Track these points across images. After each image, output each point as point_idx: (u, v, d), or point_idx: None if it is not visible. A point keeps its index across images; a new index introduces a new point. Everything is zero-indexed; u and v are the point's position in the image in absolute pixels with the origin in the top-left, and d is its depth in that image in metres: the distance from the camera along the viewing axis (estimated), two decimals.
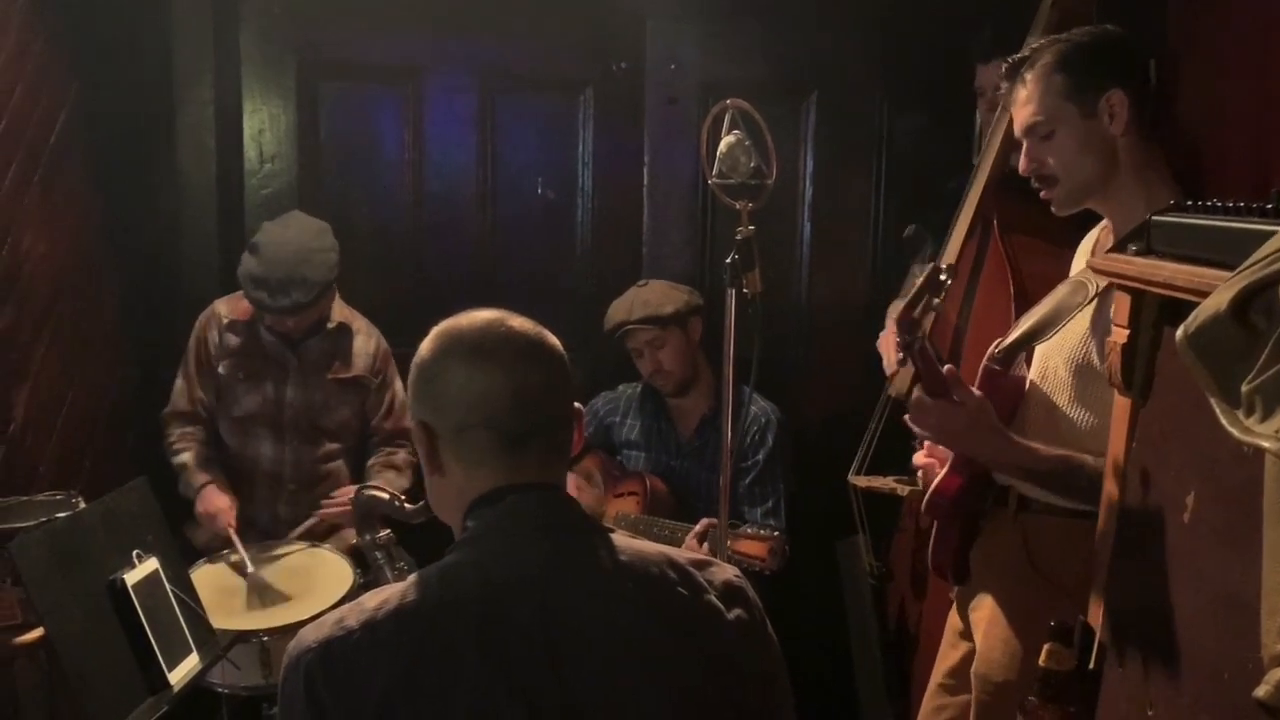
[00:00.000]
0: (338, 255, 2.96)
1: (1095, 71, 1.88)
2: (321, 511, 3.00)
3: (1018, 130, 1.97)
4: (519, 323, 1.39)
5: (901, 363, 2.67)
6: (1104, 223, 2.00)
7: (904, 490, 2.69)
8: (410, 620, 1.25)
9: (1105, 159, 1.89)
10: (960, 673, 2.19)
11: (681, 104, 3.54)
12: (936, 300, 1.91)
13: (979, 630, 2.11)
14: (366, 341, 3.18)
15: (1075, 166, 1.91)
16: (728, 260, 2.34)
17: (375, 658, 1.23)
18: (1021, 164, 1.97)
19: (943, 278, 1.90)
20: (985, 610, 2.10)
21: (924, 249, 2.99)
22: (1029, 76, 1.93)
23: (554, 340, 1.41)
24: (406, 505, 1.91)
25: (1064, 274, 2.08)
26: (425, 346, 1.39)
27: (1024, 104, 1.94)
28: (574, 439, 1.42)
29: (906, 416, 1.99)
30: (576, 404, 1.43)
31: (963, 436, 1.93)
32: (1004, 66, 2.03)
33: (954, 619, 2.26)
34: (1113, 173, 1.90)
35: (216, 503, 2.95)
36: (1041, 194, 1.98)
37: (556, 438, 1.39)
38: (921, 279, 1.90)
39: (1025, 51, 1.98)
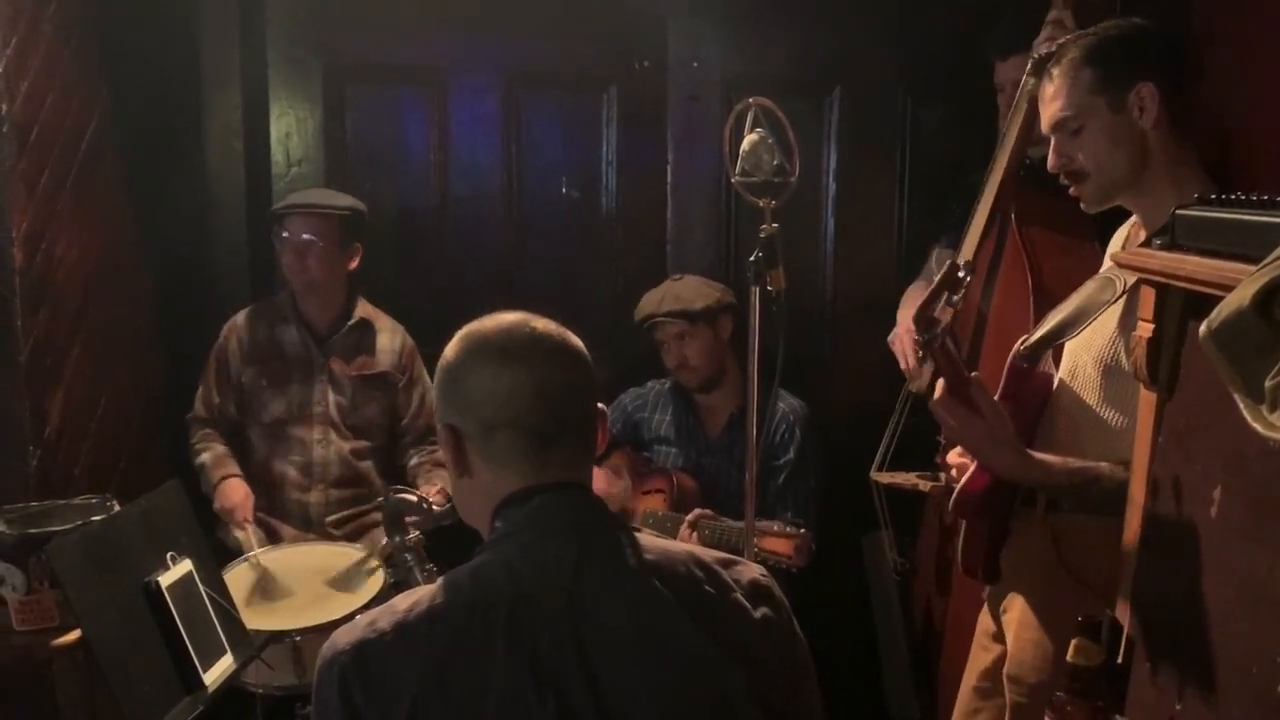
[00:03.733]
0: (363, 216, 3.16)
1: (1124, 65, 1.85)
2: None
3: (1046, 126, 1.95)
4: (543, 324, 1.40)
5: (922, 361, 2.65)
6: (1134, 218, 1.98)
7: (926, 486, 2.68)
8: (441, 621, 1.27)
9: (1136, 154, 1.86)
10: (994, 675, 2.18)
11: (704, 101, 3.54)
12: (955, 297, 1.89)
13: (1010, 632, 2.10)
14: (391, 338, 3.22)
15: (1105, 162, 1.88)
16: (751, 258, 2.34)
17: (408, 658, 1.24)
18: (1051, 160, 1.95)
19: (961, 274, 1.88)
20: (1015, 612, 2.08)
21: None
22: (1056, 71, 1.90)
23: (577, 341, 1.42)
24: (435, 508, 1.92)
25: (1082, 267, 2.06)
26: (450, 349, 1.41)
27: (1052, 99, 1.91)
28: (599, 439, 1.44)
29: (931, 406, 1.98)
30: (600, 404, 1.44)
31: (978, 446, 1.92)
32: (1030, 61, 2.01)
33: (985, 620, 2.24)
34: (1144, 168, 1.86)
35: (233, 498, 2.99)
36: (1071, 190, 1.95)
37: (583, 437, 1.41)
38: (940, 275, 1.87)
39: (1053, 46, 1.96)
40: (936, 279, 1.88)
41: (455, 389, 1.38)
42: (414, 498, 2.01)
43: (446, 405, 1.39)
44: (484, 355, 1.37)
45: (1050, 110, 1.93)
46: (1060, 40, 1.96)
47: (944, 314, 1.90)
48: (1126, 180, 1.88)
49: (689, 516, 2.93)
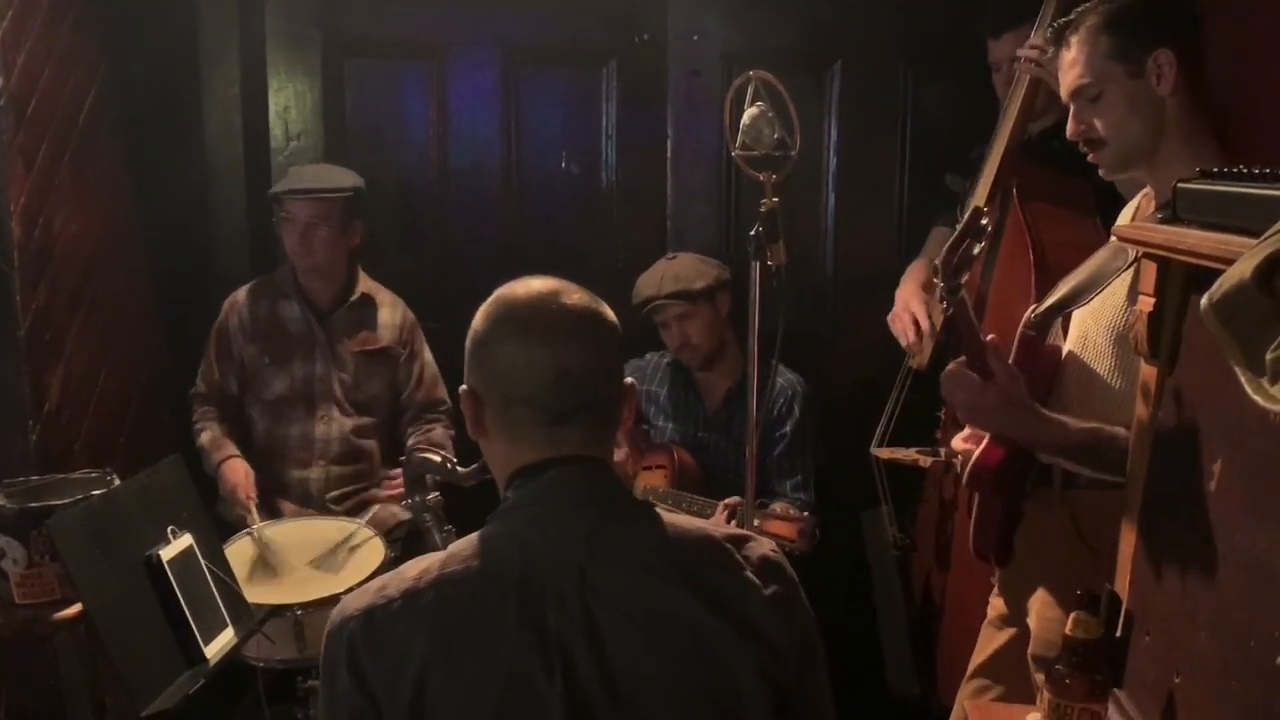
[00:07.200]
0: (364, 193, 3.11)
1: (1142, 31, 1.83)
2: (385, 495, 3.08)
3: (1065, 94, 1.94)
4: (575, 299, 1.38)
5: (946, 310, 2.63)
6: (1145, 190, 1.97)
7: (926, 461, 2.68)
8: (450, 589, 1.27)
9: (1154, 121, 1.85)
10: (1003, 658, 2.17)
11: (704, 76, 3.52)
12: (977, 247, 1.86)
13: (1032, 615, 2.09)
14: (392, 313, 3.21)
15: (1123, 128, 1.86)
16: (752, 232, 2.33)
17: (416, 625, 1.25)
18: (1070, 128, 1.93)
19: (984, 221, 1.86)
20: (1037, 593, 2.08)
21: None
22: (1074, 40, 1.88)
23: (609, 316, 1.40)
24: (459, 468, 1.92)
25: (1084, 242, 2.05)
26: (481, 314, 1.39)
27: (1070, 66, 1.90)
28: (624, 414, 1.42)
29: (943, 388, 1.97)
30: (629, 380, 1.43)
31: (992, 413, 1.90)
32: (1049, 30, 1.99)
33: (997, 603, 2.23)
34: (1161, 136, 1.85)
35: (233, 478, 3.00)
36: (1090, 157, 1.94)
37: (601, 415, 1.38)
38: (963, 223, 1.83)
39: (1071, 15, 1.94)
40: (960, 225, 1.85)
41: (480, 355, 1.37)
42: (437, 457, 2.00)
43: (471, 368, 1.38)
44: (509, 327, 1.35)
45: (1069, 77, 1.91)
46: (1080, 8, 1.94)
47: (966, 267, 1.86)
48: (1144, 148, 1.87)
49: (726, 501, 2.90)
